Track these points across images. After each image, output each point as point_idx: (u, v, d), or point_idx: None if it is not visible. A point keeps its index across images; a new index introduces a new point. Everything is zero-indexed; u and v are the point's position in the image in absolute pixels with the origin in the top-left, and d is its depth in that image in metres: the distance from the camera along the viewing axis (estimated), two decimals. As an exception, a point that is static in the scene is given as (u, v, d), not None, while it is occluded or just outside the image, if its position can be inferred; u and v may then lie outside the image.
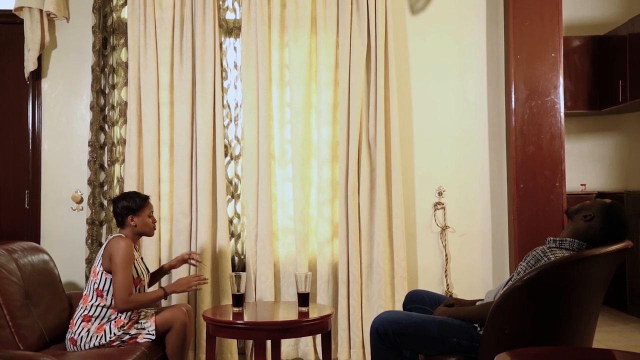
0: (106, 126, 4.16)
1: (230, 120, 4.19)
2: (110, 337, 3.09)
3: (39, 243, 4.05)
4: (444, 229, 4.27)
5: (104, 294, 3.16)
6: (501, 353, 2.07)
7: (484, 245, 4.29)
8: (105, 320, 3.15)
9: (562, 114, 4.14)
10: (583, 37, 5.75)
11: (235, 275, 3.16)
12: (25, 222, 4.19)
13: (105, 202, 4.13)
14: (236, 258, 4.17)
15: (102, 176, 4.14)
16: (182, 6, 4.10)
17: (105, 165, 4.14)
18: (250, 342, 3.97)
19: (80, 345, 3.11)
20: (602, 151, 6.09)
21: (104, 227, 4.13)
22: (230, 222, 4.16)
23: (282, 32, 4.15)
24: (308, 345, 4.03)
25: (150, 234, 3.39)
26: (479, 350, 2.57)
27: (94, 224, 4.07)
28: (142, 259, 3.45)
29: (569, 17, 5.60)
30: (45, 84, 4.24)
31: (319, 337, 3.91)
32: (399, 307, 3.81)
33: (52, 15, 4.08)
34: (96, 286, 3.17)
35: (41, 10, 4.05)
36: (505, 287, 2.57)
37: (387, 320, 2.68)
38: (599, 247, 2.48)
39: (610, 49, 5.66)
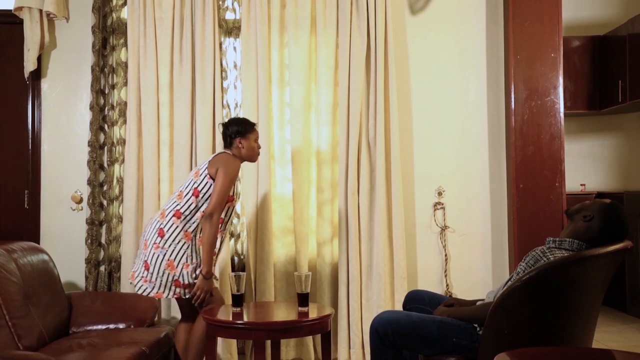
0: (106, 126, 4.16)
1: (230, 121, 4.19)
2: (186, 253, 3.20)
3: (38, 243, 4.06)
4: (444, 229, 4.27)
5: (200, 194, 3.24)
6: (500, 353, 2.07)
7: (483, 245, 4.29)
8: (192, 227, 3.23)
9: (562, 114, 4.14)
10: (583, 37, 5.75)
11: (234, 276, 3.16)
12: (24, 222, 4.19)
13: (104, 202, 4.13)
14: (236, 258, 4.17)
15: (102, 176, 4.14)
16: (182, 6, 4.10)
17: (105, 165, 4.14)
18: (250, 342, 3.97)
19: (165, 238, 3.19)
20: (602, 151, 6.09)
21: (104, 227, 4.13)
22: (230, 222, 4.16)
23: (282, 32, 4.15)
24: (308, 345, 4.03)
25: (253, 159, 3.46)
26: (479, 351, 2.57)
27: (93, 224, 4.07)
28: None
29: (569, 17, 5.61)
30: (44, 84, 4.24)
31: (318, 337, 3.91)
32: (398, 307, 3.81)
33: (51, 15, 4.08)
34: (196, 185, 3.25)
35: (41, 10, 4.05)
36: (505, 288, 2.57)
37: (386, 320, 2.68)
38: (599, 247, 2.48)
39: (610, 49, 5.66)
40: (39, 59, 4.15)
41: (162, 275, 3.18)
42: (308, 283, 3.16)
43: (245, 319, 3.11)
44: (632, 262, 5.14)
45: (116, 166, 4.16)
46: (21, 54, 4.11)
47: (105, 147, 4.15)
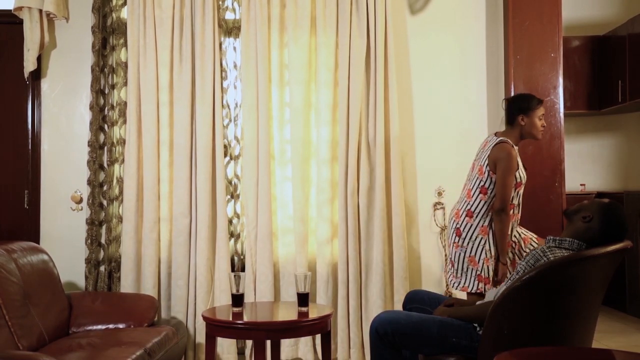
0: (106, 126, 4.16)
1: (230, 120, 4.19)
2: (485, 248, 3.27)
3: (38, 243, 4.05)
4: (444, 229, 4.27)
5: (488, 191, 3.30)
6: (500, 353, 2.07)
7: (483, 245, 4.28)
8: (487, 222, 3.29)
9: (562, 114, 4.14)
10: (583, 37, 5.75)
11: (234, 275, 3.16)
12: (24, 222, 4.19)
13: (104, 202, 4.13)
14: (235, 258, 4.17)
15: (102, 176, 4.14)
16: (182, 6, 4.10)
17: (105, 165, 4.14)
18: (249, 342, 3.97)
19: (463, 237, 3.31)
20: (602, 151, 6.09)
21: (104, 227, 4.13)
22: (230, 222, 4.16)
23: (282, 32, 4.15)
24: (308, 345, 4.03)
25: (536, 136, 3.42)
26: (478, 350, 2.57)
27: (93, 224, 4.07)
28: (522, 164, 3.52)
29: (569, 17, 5.60)
30: (44, 84, 4.24)
31: (318, 337, 3.91)
32: (398, 307, 3.81)
33: (51, 15, 4.08)
34: (482, 184, 3.32)
35: (41, 10, 4.05)
36: (505, 287, 2.57)
37: (386, 320, 2.68)
38: (599, 247, 2.48)
39: (609, 49, 5.66)
40: (39, 59, 4.14)
41: (466, 271, 3.31)
42: (308, 283, 3.16)
43: (245, 319, 3.11)
44: (632, 262, 5.14)
45: (116, 166, 4.15)
46: (21, 54, 4.11)
47: (105, 147, 4.15)
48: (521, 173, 3.38)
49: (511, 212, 3.31)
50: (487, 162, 3.31)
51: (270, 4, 4.10)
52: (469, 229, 3.31)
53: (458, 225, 3.35)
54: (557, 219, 4.04)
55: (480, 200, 3.31)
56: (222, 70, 4.14)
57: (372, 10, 4.06)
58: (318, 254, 4.08)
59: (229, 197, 4.16)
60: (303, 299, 3.15)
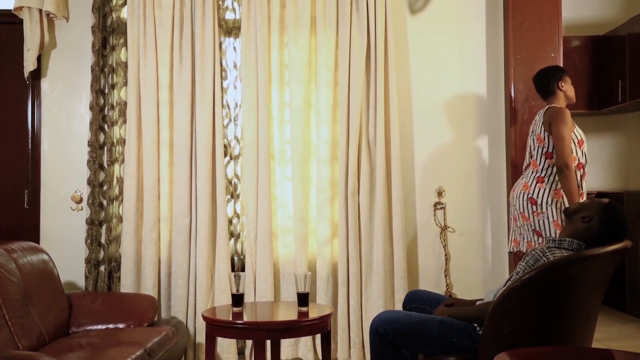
0: (106, 126, 4.16)
1: (230, 120, 4.19)
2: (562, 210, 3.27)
3: (38, 243, 4.06)
4: (444, 228, 4.27)
5: (553, 155, 3.38)
6: (500, 353, 2.07)
7: (483, 245, 4.29)
8: (559, 185, 3.34)
9: (562, 114, 4.14)
10: (583, 37, 5.75)
11: (234, 275, 3.16)
12: (24, 222, 4.19)
13: (104, 202, 4.13)
14: (235, 258, 4.17)
15: (102, 176, 4.14)
16: (182, 6, 4.10)
17: (105, 165, 4.14)
18: (249, 342, 3.97)
19: (539, 203, 3.36)
20: (602, 151, 6.09)
21: (104, 227, 4.13)
22: (230, 222, 4.16)
23: (282, 32, 4.15)
24: (308, 345, 4.03)
25: (574, 99, 3.57)
26: (478, 350, 2.57)
27: (93, 224, 4.07)
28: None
29: (569, 17, 5.60)
30: (44, 84, 4.24)
31: (318, 337, 3.91)
32: (398, 307, 3.81)
33: (51, 15, 4.08)
34: (545, 150, 3.41)
35: (41, 10, 4.05)
36: (505, 287, 2.57)
37: (386, 319, 2.68)
38: (598, 247, 2.48)
39: (609, 49, 5.65)
40: (39, 58, 4.14)
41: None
42: (308, 283, 3.16)
43: (245, 318, 3.11)
44: (632, 262, 5.14)
45: (116, 166, 4.15)
46: (21, 54, 4.11)
47: (105, 147, 4.15)
48: (579, 131, 3.43)
49: (580, 173, 3.37)
50: (542, 128, 3.41)
51: (270, 4, 4.10)
52: (543, 194, 3.38)
53: (530, 195, 3.41)
54: (557, 219, 4.04)
55: (549, 165, 3.40)
56: (222, 70, 4.14)
57: (372, 10, 4.06)
58: (318, 254, 4.09)
59: (229, 197, 4.16)
60: (303, 299, 3.15)
